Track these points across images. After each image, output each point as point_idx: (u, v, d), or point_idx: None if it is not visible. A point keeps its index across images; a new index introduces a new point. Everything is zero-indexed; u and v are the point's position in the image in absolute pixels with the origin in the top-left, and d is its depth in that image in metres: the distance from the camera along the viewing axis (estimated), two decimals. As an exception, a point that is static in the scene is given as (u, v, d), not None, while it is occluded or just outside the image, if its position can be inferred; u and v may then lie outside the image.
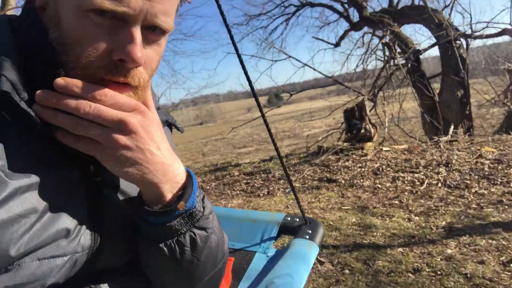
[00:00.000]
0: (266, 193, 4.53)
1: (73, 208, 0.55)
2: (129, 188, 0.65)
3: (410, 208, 3.33)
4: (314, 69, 6.17)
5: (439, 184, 3.76)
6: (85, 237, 0.56)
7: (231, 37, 1.19)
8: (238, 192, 4.81)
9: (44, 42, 0.52)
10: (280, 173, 5.11)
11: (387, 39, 7.32)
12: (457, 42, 6.46)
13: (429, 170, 4.13)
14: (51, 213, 0.52)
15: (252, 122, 6.18)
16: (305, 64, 6.10)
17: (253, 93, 1.23)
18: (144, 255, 0.64)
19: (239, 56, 1.23)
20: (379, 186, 4.05)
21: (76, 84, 0.50)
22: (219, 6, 1.10)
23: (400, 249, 2.62)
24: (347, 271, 2.47)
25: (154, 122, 0.56)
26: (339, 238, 2.97)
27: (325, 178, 4.56)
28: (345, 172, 4.63)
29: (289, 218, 1.45)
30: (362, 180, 4.29)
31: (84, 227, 0.56)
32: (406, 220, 3.12)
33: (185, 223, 0.60)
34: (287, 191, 4.42)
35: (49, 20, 0.53)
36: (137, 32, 0.53)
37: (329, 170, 4.81)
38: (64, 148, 0.54)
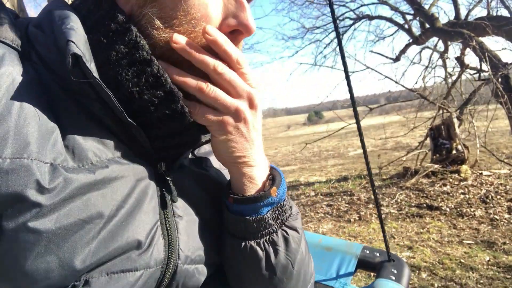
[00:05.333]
0: (357, 218, 4.17)
1: (144, 213, 0.47)
2: (207, 185, 0.58)
3: (553, 247, 2.87)
4: (396, 82, 5.84)
5: None
6: (158, 248, 0.48)
7: (339, 41, 1.14)
8: (323, 215, 4.48)
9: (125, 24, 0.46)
10: (365, 196, 4.74)
11: (456, 53, 6.83)
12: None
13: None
14: (119, 218, 0.44)
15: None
16: (386, 77, 5.79)
17: (353, 102, 1.19)
18: (233, 259, 0.55)
19: (344, 63, 1.15)
20: (496, 217, 3.59)
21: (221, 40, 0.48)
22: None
23: None
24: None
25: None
26: (482, 281, 2.56)
27: (425, 205, 4.14)
28: (446, 198, 4.20)
29: (367, 251, 1.25)
30: (471, 209, 3.84)
31: (156, 236, 0.48)
32: (555, 262, 2.67)
33: (276, 218, 0.54)
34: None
35: None
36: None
37: (425, 195, 4.38)
38: (134, 139, 0.48)
